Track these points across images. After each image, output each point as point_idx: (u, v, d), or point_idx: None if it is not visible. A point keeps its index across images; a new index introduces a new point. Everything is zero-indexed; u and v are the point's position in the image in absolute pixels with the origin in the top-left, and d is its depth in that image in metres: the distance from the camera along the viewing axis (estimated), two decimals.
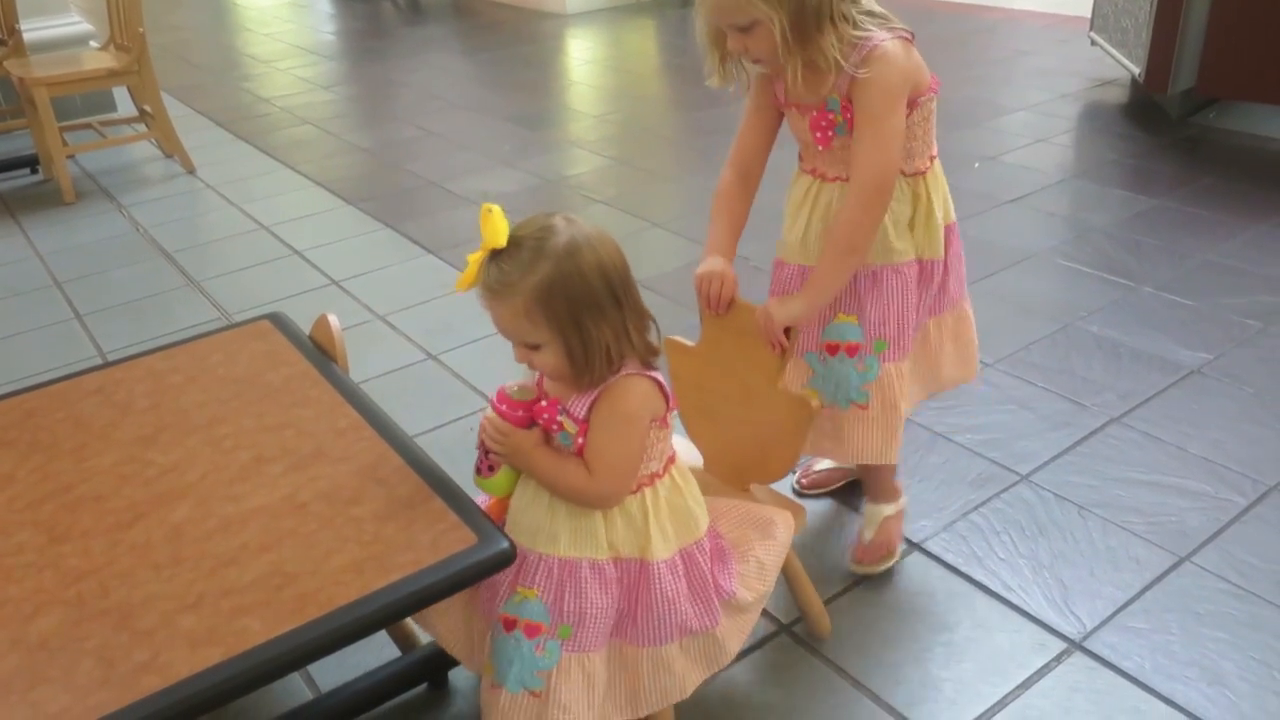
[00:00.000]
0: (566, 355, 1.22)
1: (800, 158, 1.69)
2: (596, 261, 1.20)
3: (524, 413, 1.26)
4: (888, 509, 1.88)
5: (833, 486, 2.08)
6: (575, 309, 1.19)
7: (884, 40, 1.46)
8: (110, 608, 1.07)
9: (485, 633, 1.37)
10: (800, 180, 1.68)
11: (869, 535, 1.87)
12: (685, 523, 1.34)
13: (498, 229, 1.19)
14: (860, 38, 1.46)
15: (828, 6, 1.43)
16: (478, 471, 1.33)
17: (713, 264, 1.57)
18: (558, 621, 1.29)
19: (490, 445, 1.29)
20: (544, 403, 1.30)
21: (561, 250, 1.19)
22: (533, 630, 1.29)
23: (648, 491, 1.30)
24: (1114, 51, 4.46)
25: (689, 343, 1.62)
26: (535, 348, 1.22)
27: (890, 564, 1.87)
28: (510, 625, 1.30)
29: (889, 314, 1.65)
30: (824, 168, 1.62)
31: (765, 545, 1.46)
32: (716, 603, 1.36)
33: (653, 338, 1.29)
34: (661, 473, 1.32)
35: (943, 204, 1.69)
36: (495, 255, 1.20)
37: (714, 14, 1.48)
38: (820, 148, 1.59)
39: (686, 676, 1.37)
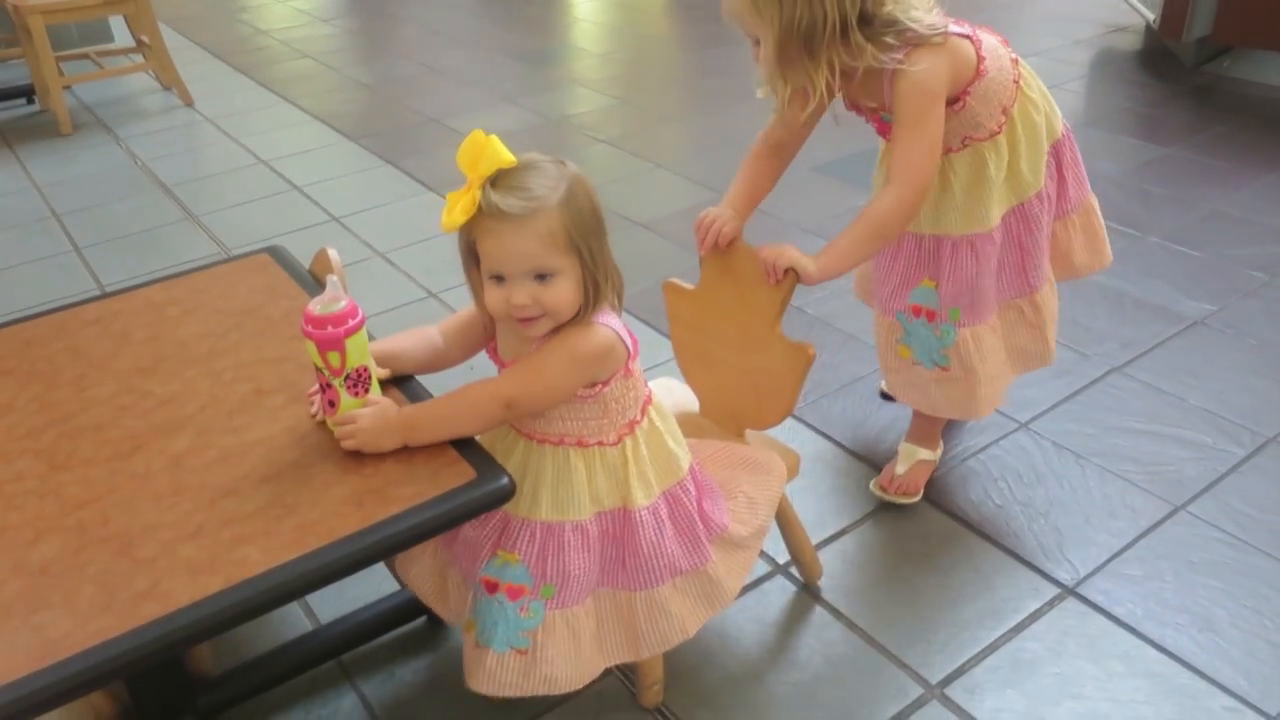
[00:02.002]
0: (580, 283, 1.17)
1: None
2: (592, 189, 1.19)
3: (333, 328, 1.14)
4: (923, 453, 1.91)
5: None
6: (596, 230, 1.18)
7: (911, 52, 1.46)
8: (111, 536, 1.07)
9: (464, 588, 1.37)
10: (889, 155, 1.70)
11: (901, 469, 1.91)
12: (666, 464, 1.33)
13: (500, 149, 1.12)
14: (885, 60, 1.45)
15: (825, 35, 1.40)
16: (324, 412, 1.22)
17: (719, 210, 1.55)
18: (540, 582, 1.29)
19: (347, 446, 1.17)
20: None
21: (569, 173, 1.17)
22: (515, 593, 1.29)
23: (628, 440, 1.28)
24: None
25: (687, 285, 1.60)
26: (547, 278, 1.15)
27: (907, 502, 1.90)
28: (492, 588, 1.30)
29: (962, 285, 1.69)
30: None
31: (754, 481, 1.46)
32: (705, 540, 1.36)
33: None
34: (640, 418, 1.30)
35: (1040, 131, 1.69)
36: (497, 181, 1.13)
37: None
38: (888, 143, 1.64)
39: (685, 618, 1.37)
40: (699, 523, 1.35)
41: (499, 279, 1.17)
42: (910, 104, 1.48)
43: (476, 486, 1.13)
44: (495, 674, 1.31)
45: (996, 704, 1.50)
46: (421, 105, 4.14)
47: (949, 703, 1.51)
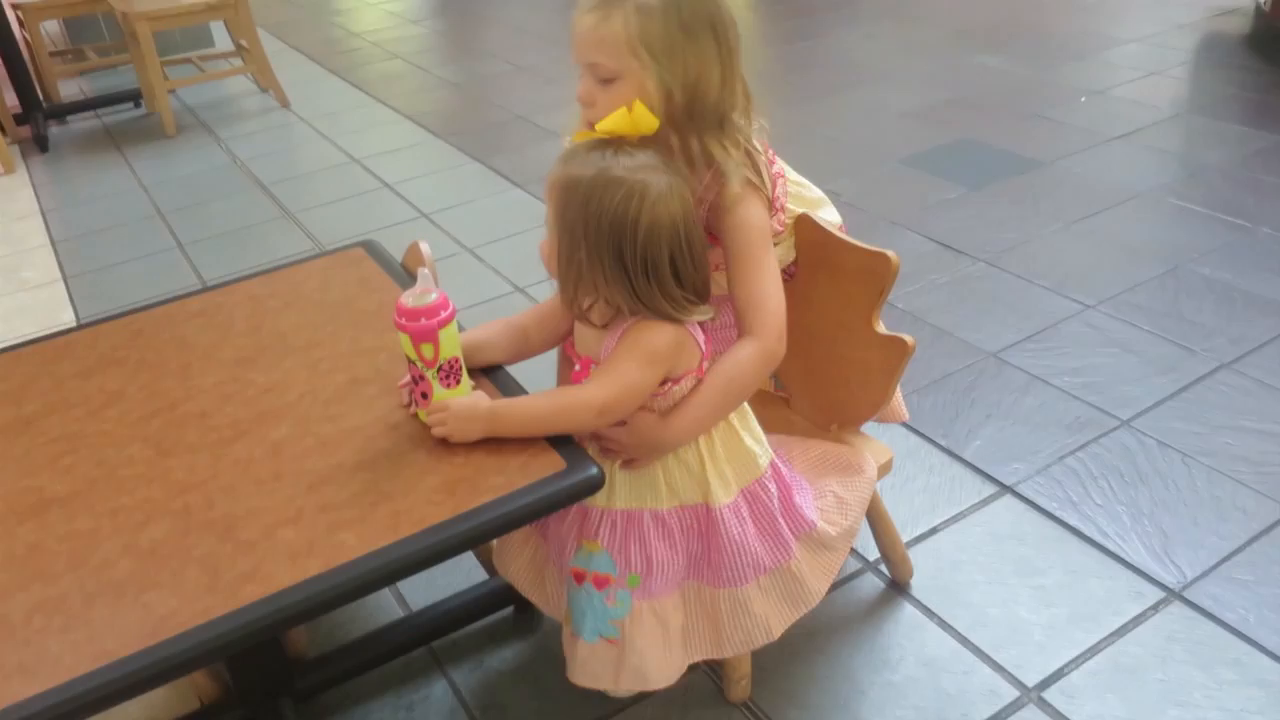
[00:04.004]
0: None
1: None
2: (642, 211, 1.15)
3: (426, 320, 1.15)
4: None
5: None
6: (615, 241, 1.14)
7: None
8: (215, 519, 1.10)
9: (560, 582, 1.39)
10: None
11: None
12: (744, 462, 1.31)
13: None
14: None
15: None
16: (417, 403, 1.23)
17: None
18: (625, 571, 1.29)
19: (436, 433, 1.18)
20: (577, 367, 1.26)
21: (637, 181, 1.15)
22: (601, 582, 1.30)
23: (702, 440, 1.28)
24: None
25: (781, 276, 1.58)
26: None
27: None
28: (580, 578, 1.31)
29: None
30: None
31: (843, 481, 1.44)
32: (789, 536, 1.34)
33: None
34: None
35: None
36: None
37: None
38: None
39: (769, 618, 1.35)
40: (781, 519, 1.33)
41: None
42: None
43: (566, 476, 1.13)
44: (587, 664, 1.32)
45: (1097, 709, 1.45)
46: (508, 103, 4.19)
47: (1046, 706, 1.46)
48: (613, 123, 1.17)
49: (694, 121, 1.25)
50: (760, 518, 1.32)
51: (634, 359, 1.19)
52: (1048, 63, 4.07)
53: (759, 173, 1.29)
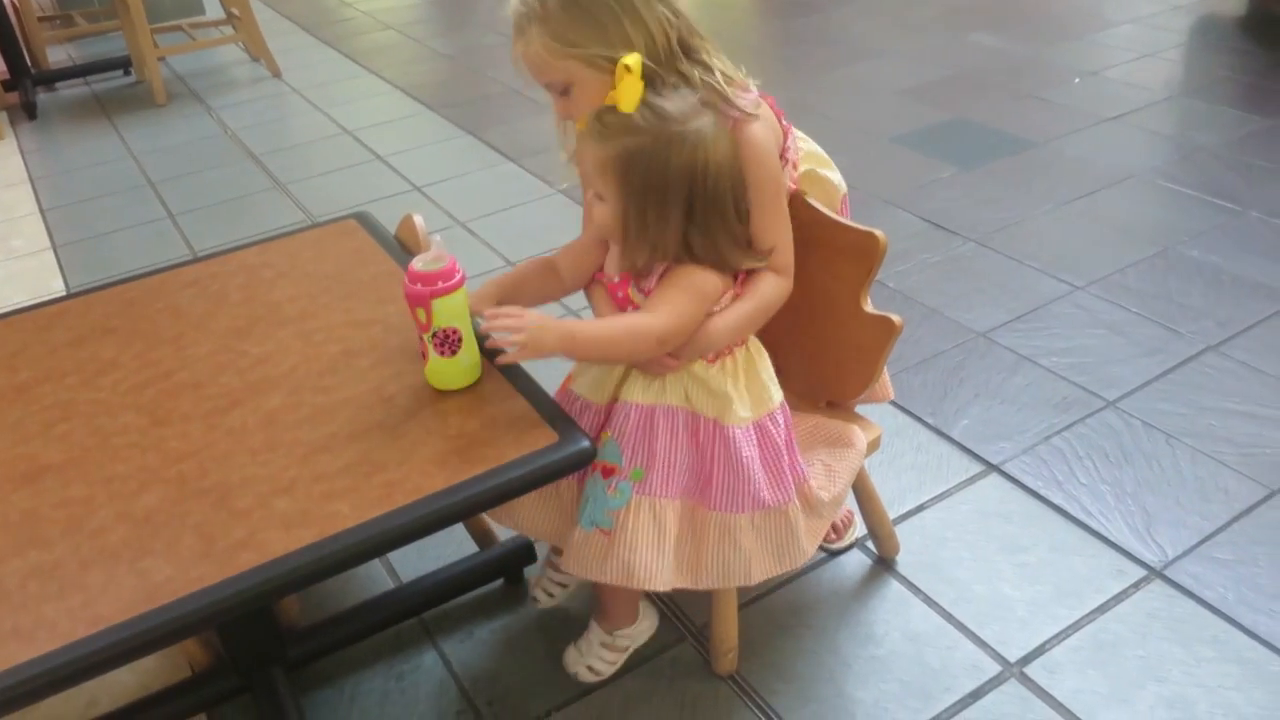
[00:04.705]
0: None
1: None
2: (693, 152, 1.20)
3: (422, 285, 1.16)
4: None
5: None
6: (666, 189, 1.19)
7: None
8: (209, 488, 1.11)
9: (577, 496, 1.40)
10: None
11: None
12: (760, 394, 1.35)
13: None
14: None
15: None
16: (428, 355, 1.23)
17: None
18: (630, 464, 1.32)
19: (503, 341, 1.18)
20: (616, 279, 1.30)
21: (681, 130, 1.20)
22: (608, 471, 1.33)
23: (727, 361, 1.32)
24: None
25: None
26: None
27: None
28: (594, 466, 1.34)
29: None
30: None
31: (832, 451, 1.46)
32: (790, 478, 1.36)
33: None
34: (740, 341, 1.35)
35: None
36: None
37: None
38: None
39: (753, 559, 1.35)
40: (785, 456, 1.36)
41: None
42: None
43: (558, 449, 1.14)
44: (580, 550, 1.35)
45: (1077, 684, 1.48)
46: (503, 76, 4.17)
47: (1028, 681, 1.49)
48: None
49: (658, 77, 1.27)
50: (767, 450, 1.35)
51: (688, 294, 1.25)
52: (1043, 42, 4.07)
53: (739, 106, 1.30)
